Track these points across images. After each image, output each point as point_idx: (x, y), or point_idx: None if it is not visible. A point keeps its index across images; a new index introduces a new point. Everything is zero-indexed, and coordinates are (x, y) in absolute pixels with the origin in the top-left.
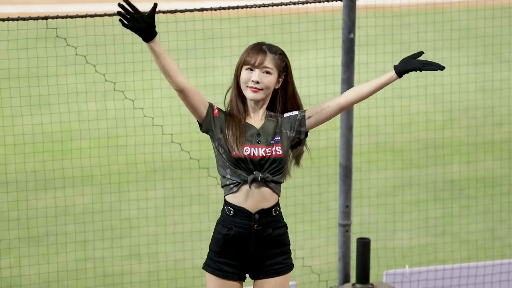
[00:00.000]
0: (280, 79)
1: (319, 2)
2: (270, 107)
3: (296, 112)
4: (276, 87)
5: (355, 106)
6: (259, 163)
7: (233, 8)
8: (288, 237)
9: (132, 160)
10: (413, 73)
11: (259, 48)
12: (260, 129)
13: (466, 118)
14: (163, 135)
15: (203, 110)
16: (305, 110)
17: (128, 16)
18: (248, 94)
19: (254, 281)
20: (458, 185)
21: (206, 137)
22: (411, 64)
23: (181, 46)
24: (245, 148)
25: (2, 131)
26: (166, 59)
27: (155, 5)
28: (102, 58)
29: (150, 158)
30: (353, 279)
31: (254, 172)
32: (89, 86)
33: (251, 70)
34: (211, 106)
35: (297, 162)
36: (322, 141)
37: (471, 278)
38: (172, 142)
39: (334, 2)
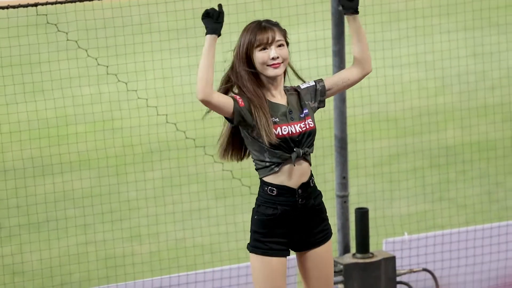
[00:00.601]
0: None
1: None
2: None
3: (312, 83)
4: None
5: None
6: (297, 139)
7: None
8: (324, 204)
9: (128, 142)
10: (403, 41)
11: (262, 26)
12: (289, 106)
13: (458, 83)
14: (158, 116)
15: (230, 108)
16: (321, 79)
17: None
18: (270, 72)
19: (301, 254)
20: (453, 150)
21: (201, 115)
22: None
23: (171, 26)
24: (283, 127)
25: None
26: (211, 62)
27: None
28: (93, 42)
29: (146, 139)
30: (353, 249)
31: (295, 150)
32: (82, 70)
33: (265, 49)
34: (234, 99)
35: None
36: (316, 113)
37: (470, 242)
38: (167, 123)
39: None
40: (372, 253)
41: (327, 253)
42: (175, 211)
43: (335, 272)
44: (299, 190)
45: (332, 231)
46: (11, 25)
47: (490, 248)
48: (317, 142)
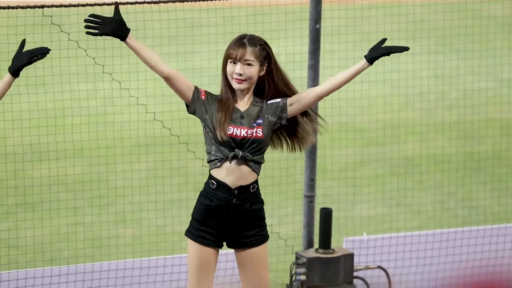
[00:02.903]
0: (264, 67)
1: None
2: (259, 94)
3: (278, 100)
4: (260, 75)
5: None
6: (240, 142)
7: None
8: (263, 212)
9: (119, 136)
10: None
11: (240, 42)
12: (244, 112)
13: (420, 101)
14: (147, 113)
15: (189, 93)
16: (287, 98)
17: (98, 25)
18: (234, 85)
19: (236, 251)
20: (412, 161)
21: (186, 115)
22: (379, 51)
23: (164, 33)
24: (229, 127)
25: (2, 108)
26: (147, 52)
27: (117, 3)
28: (92, 43)
29: (135, 134)
30: (316, 244)
31: (235, 150)
32: (81, 68)
33: (234, 63)
34: (197, 89)
35: (315, 132)
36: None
37: (421, 245)
38: (155, 120)
39: None
40: (333, 249)
41: (258, 256)
42: (157, 200)
43: (299, 264)
44: (235, 191)
45: (298, 227)
46: (19, 24)
47: (439, 251)
48: None
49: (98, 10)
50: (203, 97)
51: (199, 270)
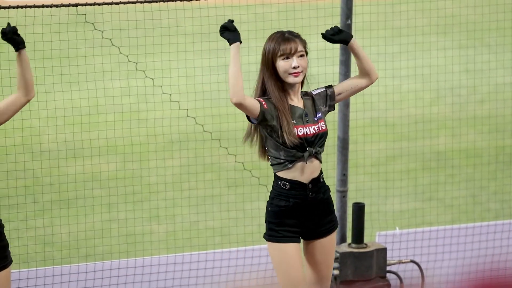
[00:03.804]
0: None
1: None
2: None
3: (323, 89)
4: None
5: None
6: (311, 140)
7: None
8: (331, 198)
9: (152, 133)
10: (404, 55)
11: (286, 37)
12: (305, 110)
13: (451, 96)
14: (179, 110)
15: (257, 110)
16: (331, 85)
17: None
18: (291, 79)
19: (309, 242)
20: (444, 155)
21: (218, 111)
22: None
23: (196, 30)
24: (299, 129)
25: (37, 105)
26: (239, 68)
27: None
28: (125, 41)
29: (168, 130)
30: (349, 239)
31: (307, 149)
32: (114, 66)
33: (287, 58)
34: (260, 102)
35: None
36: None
37: (454, 239)
38: (188, 117)
39: None
40: (366, 244)
41: (331, 243)
42: (190, 196)
43: None
44: (310, 185)
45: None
46: (54, 22)
47: (472, 245)
48: None
49: (131, 8)
50: (265, 106)
51: (290, 269)
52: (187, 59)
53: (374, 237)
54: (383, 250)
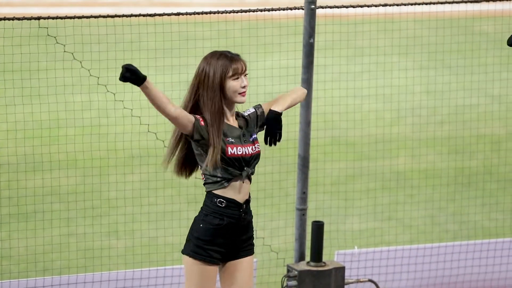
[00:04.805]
0: None
1: (283, 10)
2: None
3: (252, 110)
4: None
5: (314, 103)
6: (248, 160)
7: (206, 13)
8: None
9: (112, 147)
10: (365, 75)
11: (233, 56)
12: (243, 130)
13: (412, 116)
14: (140, 125)
15: (190, 126)
16: (259, 105)
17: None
18: (239, 99)
19: (228, 263)
20: (403, 176)
21: None
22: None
23: (159, 46)
24: (238, 148)
25: None
26: (159, 96)
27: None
28: (87, 55)
29: (129, 145)
30: (307, 257)
31: (245, 169)
32: (76, 80)
33: (237, 78)
34: (196, 118)
35: None
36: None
37: (412, 259)
38: (149, 132)
39: (296, 10)
40: (324, 262)
41: (250, 264)
42: (150, 212)
43: (290, 277)
44: (244, 206)
45: (290, 240)
46: (15, 35)
47: (430, 265)
48: (282, 159)
49: (94, 22)
50: (203, 123)
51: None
52: (149, 74)
53: (333, 255)
54: (342, 269)
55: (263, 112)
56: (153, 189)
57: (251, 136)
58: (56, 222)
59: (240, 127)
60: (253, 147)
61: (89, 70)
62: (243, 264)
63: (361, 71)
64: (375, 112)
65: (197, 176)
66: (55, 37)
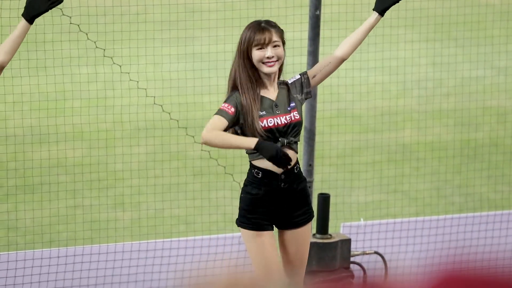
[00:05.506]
0: (285, 47)
1: None
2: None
3: (298, 76)
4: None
5: None
6: (283, 130)
7: None
8: (308, 190)
9: (118, 119)
10: (371, 47)
11: (262, 26)
12: (276, 100)
13: (417, 88)
14: (146, 97)
15: (231, 124)
16: (305, 72)
17: None
18: (265, 69)
19: (282, 231)
20: (409, 148)
21: (186, 99)
22: (388, 0)
23: (164, 18)
24: (269, 119)
25: (3, 90)
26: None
27: None
28: (93, 27)
29: (135, 118)
30: (314, 230)
31: (280, 139)
32: (82, 52)
33: (262, 48)
34: (226, 113)
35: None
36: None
37: (418, 231)
38: (155, 104)
39: None
40: (330, 235)
41: (306, 234)
42: (156, 184)
43: None
44: (282, 176)
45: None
46: (21, 6)
47: (435, 237)
48: None
49: None
50: (233, 110)
51: (262, 255)
52: (155, 46)
53: (338, 228)
54: (348, 241)
55: (308, 78)
56: (159, 162)
57: (289, 104)
58: (62, 194)
59: (277, 97)
60: (288, 116)
61: (95, 42)
62: (297, 235)
63: (367, 43)
64: (381, 84)
65: (203, 149)
66: (61, 9)
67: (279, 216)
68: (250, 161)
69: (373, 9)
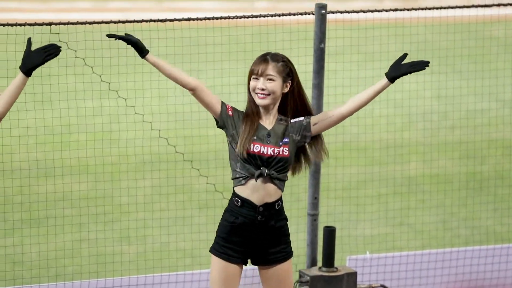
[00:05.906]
0: (287, 84)
1: (294, 15)
2: (283, 111)
3: (302, 118)
4: (284, 91)
5: (325, 108)
6: (267, 161)
7: (217, 18)
8: (288, 229)
9: (124, 153)
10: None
11: (263, 58)
12: (271, 131)
13: (423, 121)
14: (152, 130)
15: (218, 106)
16: (310, 117)
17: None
18: (257, 100)
19: (260, 268)
20: (414, 181)
21: (191, 133)
22: (400, 69)
23: (170, 51)
24: (256, 145)
25: (9, 124)
26: (167, 67)
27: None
28: (98, 61)
29: (140, 151)
30: (319, 263)
31: (261, 168)
32: (87, 85)
33: (257, 78)
34: (223, 104)
35: (319, 157)
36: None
37: (424, 264)
38: (160, 137)
39: (307, 15)
40: (336, 268)
41: (284, 272)
42: (161, 217)
43: (302, 282)
44: (260, 208)
45: (302, 245)
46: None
47: (442, 271)
48: None
49: (105, 28)
50: (230, 112)
51: (222, 286)
52: (160, 79)
53: (344, 261)
54: (354, 274)
55: (309, 123)
56: (164, 195)
57: (281, 139)
58: (68, 227)
59: (272, 129)
60: (277, 149)
61: (100, 76)
62: (274, 272)
63: (372, 76)
64: (386, 117)
65: (209, 182)
66: (66, 43)
67: (253, 249)
68: (233, 188)
69: (385, 74)
